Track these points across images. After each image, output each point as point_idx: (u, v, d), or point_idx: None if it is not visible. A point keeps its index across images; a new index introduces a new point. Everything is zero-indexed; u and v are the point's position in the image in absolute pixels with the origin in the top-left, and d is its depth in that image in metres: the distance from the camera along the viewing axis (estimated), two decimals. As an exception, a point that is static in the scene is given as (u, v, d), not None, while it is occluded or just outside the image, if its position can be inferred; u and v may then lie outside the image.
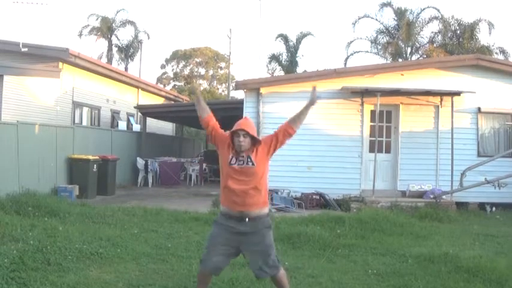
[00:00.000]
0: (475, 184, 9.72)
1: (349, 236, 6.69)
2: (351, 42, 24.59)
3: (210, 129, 3.74)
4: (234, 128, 3.57)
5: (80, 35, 28.53)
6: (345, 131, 10.73)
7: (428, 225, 7.92)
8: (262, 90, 10.80)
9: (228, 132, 3.70)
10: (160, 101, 21.48)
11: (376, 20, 24.31)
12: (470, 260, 5.27)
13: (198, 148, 25.52)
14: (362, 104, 10.71)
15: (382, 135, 10.87)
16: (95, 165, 11.07)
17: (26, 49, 13.06)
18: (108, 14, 30.72)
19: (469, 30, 22.14)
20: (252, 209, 3.54)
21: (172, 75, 44.04)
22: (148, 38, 30.76)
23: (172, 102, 22.10)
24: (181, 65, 43.91)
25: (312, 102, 3.81)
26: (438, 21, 23.23)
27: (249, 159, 3.55)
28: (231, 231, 3.56)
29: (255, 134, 3.60)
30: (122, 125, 16.39)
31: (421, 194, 10.27)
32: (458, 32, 22.92)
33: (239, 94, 34.32)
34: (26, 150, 9.53)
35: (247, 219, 3.53)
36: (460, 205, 10.17)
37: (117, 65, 28.84)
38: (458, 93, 10.38)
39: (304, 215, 8.34)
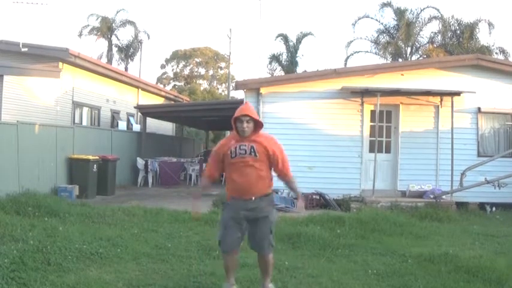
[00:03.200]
0: (475, 184, 9.72)
1: (349, 236, 6.69)
2: (351, 42, 24.66)
3: (219, 166, 3.99)
4: (237, 114, 3.72)
5: (80, 35, 28.57)
6: (345, 131, 10.73)
7: (428, 225, 7.92)
8: (262, 90, 10.80)
9: (222, 140, 4.01)
10: (160, 101, 21.48)
11: (376, 20, 24.38)
12: (470, 260, 5.27)
13: (198, 148, 25.52)
14: (362, 104, 10.71)
15: (382, 135, 10.87)
16: (95, 165, 11.07)
17: (26, 49, 13.07)
18: (108, 14, 30.79)
19: (469, 30, 22.15)
20: (257, 194, 3.80)
21: (172, 75, 44.04)
22: (148, 38, 30.86)
23: (172, 102, 22.11)
24: (181, 65, 43.91)
25: (297, 197, 4.25)
26: (438, 21, 23.28)
27: (252, 150, 3.72)
28: (240, 209, 3.82)
29: (258, 117, 3.79)
30: (122, 125, 16.40)
31: (421, 194, 10.27)
32: (458, 32, 22.93)
33: (239, 94, 34.41)
34: (26, 150, 9.53)
35: (253, 198, 3.80)
36: (460, 205, 10.16)
37: (117, 65, 28.90)
38: (458, 93, 10.38)
39: (304, 215, 8.33)
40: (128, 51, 29.33)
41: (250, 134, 3.74)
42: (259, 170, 3.76)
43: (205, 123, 19.51)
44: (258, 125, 3.76)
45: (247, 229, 3.93)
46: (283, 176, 3.99)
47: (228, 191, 3.94)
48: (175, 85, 42.38)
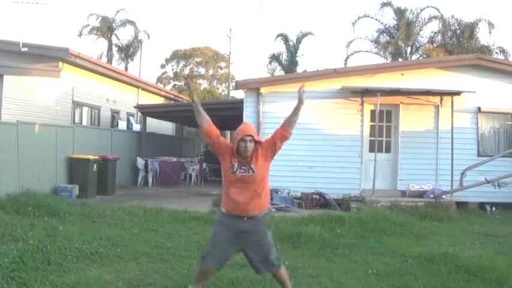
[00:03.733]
0: (475, 184, 9.72)
1: (349, 236, 6.69)
2: (351, 42, 24.63)
3: (213, 139, 3.83)
4: (240, 135, 3.69)
5: (80, 34, 28.55)
6: (345, 130, 10.73)
7: (428, 225, 7.92)
8: (262, 90, 10.80)
9: (226, 141, 3.88)
10: (160, 100, 21.48)
11: (376, 19, 24.36)
12: (470, 260, 5.27)
13: (198, 148, 25.51)
14: (362, 104, 10.71)
15: (382, 135, 10.87)
16: (95, 165, 11.07)
17: (26, 49, 13.07)
18: (108, 13, 30.77)
19: (469, 30, 22.14)
20: (252, 212, 3.73)
21: (172, 75, 44.04)
22: (148, 37, 30.86)
23: (172, 102, 22.11)
24: (181, 64, 43.90)
25: (300, 102, 4.00)
26: (438, 20, 23.27)
27: (249, 168, 3.71)
28: (233, 229, 3.73)
29: (258, 138, 3.77)
30: (122, 125, 16.40)
31: (421, 194, 10.27)
32: (458, 31, 22.92)
33: (239, 94, 34.31)
34: (26, 150, 9.53)
35: (245, 218, 3.72)
36: (460, 205, 10.16)
37: (117, 64, 28.88)
38: (458, 93, 10.38)
39: (304, 215, 8.33)
40: (128, 51, 29.32)
41: (249, 158, 3.72)
42: (256, 187, 3.72)
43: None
44: (258, 144, 3.76)
45: (237, 251, 3.86)
46: (283, 130, 3.83)
47: (223, 205, 3.84)
48: (175, 85, 42.38)
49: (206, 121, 3.88)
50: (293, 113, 3.95)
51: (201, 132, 3.93)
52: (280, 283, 3.98)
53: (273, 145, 3.80)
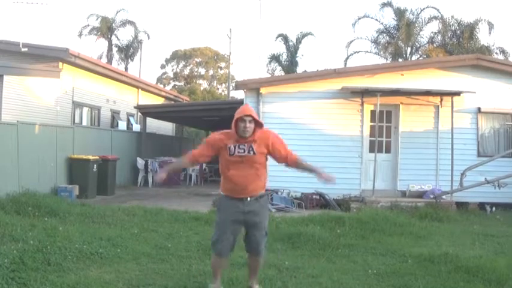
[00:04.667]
0: (475, 184, 9.72)
1: (349, 236, 6.69)
2: (351, 42, 24.65)
3: (203, 156, 4.01)
4: (239, 114, 3.71)
5: (80, 35, 28.57)
6: (345, 131, 10.73)
7: (428, 225, 7.91)
8: (262, 90, 10.80)
9: (217, 133, 3.94)
10: (160, 101, 21.48)
11: (376, 20, 24.38)
12: (470, 260, 5.27)
13: (198, 148, 25.47)
14: (362, 104, 10.71)
15: (382, 135, 10.87)
16: (95, 165, 11.06)
17: (26, 49, 13.07)
18: (108, 14, 30.76)
19: (469, 30, 22.16)
20: (252, 194, 3.80)
21: (172, 75, 44.04)
22: (148, 38, 30.81)
23: (172, 102, 22.10)
24: (181, 65, 43.91)
25: (315, 172, 4.06)
26: (438, 21, 23.29)
27: (250, 148, 3.74)
28: (234, 211, 3.82)
29: (258, 118, 3.80)
30: (122, 125, 16.40)
31: (421, 194, 10.27)
32: (458, 32, 22.94)
33: (239, 94, 34.35)
34: (26, 150, 9.53)
35: (248, 199, 3.81)
36: (460, 205, 10.16)
37: (117, 65, 28.90)
38: (458, 93, 10.38)
39: (304, 215, 8.34)
40: (128, 51, 29.33)
41: (249, 136, 3.73)
42: (256, 169, 3.77)
43: (205, 123, 19.50)
44: (257, 125, 3.77)
45: (241, 230, 3.96)
46: (290, 160, 3.94)
47: (223, 190, 3.92)
48: (175, 85, 42.38)
49: (184, 162, 4.27)
50: (304, 167, 4.12)
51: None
52: (252, 268, 4.10)
53: (277, 152, 3.86)
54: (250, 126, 3.69)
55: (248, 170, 3.74)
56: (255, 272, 4.11)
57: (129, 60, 29.71)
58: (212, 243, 3.96)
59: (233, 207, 3.81)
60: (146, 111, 16.11)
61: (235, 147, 3.73)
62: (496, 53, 22.08)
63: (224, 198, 3.91)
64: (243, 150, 3.71)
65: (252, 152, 3.72)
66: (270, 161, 4.03)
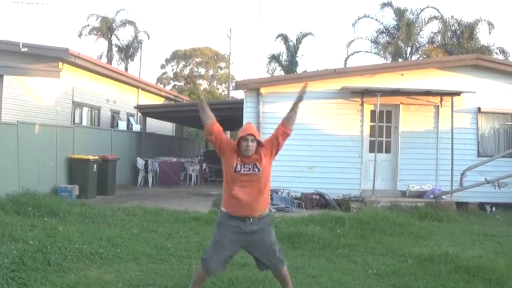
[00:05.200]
0: (475, 184, 9.72)
1: (349, 236, 6.69)
2: (351, 42, 24.63)
3: (215, 135, 3.79)
4: (242, 133, 3.69)
5: (80, 35, 28.55)
6: (345, 131, 10.73)
7: (428, 225, 7.92)
8: (262, 90, 10.80)
9: (228, 139, 3.85)
10: (160, 101, 21.48)
11: (376, 20, 24.37)
12: (470, 260, 5.27)
13: (198, 148, 25.52)
14: (362, 104, 10.71)
15: (382, 135, 10.87)
16: (95, 165, 11.06)
17: (26, 49, 13.06)
18: (108, 14, 30.74)
19: (469, 30, 22.15)
20: (255, 213, 3.71)
21: (172, 75, 44.04)
22: (148, 38, 30.79)
23: (172, 102, 22.11)
24: (181, 65, 43.91)
25: (299, 99, 3.94)
26: (438, 21, 23.27)
27: (255, 167, 3.69)
28: (236, 232, 3.70)
29: (259, 138, 3.75)
30: (122, 125, 16.40)
31: (421, 194, 10.27)
32: (458, 32, 22.93)
33: (239, 94, 34.33)
34: (26, 150, 9.53)
35: (251, 220, 3.69)
36: (460, 205, 10.17)
37: (117, 65, 28.88)
38: (458, 93, 10.38)
39: (304, 215, 8.34)
40: (128, 51, 29.32)
41: (252, 157, 3.69)
42: (261, 186, 3.71)
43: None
44: (259, 145, 3.74)
45: (239, 250, 3.85)
46: (283, 127, 3.83)
47: (224, 205, 3.80)
48: (175, 85, 42.38)
49: (209, 117, 3.81)
50: (292, 109, 3.93)
51: (204, 129, 3.92)
52: (281, 281, 3.97)
53: (276, 141, 3.79)
54: (253, 145, 3.67)
55: (253, 187, 3.68)
56: (286, 283, 3.95)
57: (129, 60, 29.72)
58: (203, 259, 3.80)
59: (234, 226, 3.70)
60: (146, 111, 16.11)
61: (241, 167, 3.68)
62: (496, 53, 22.08)
63: (225, 216, 3.77)
64: (248, 169, 3.68)
65: (256, 170, 3.68)
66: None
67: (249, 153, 3.67)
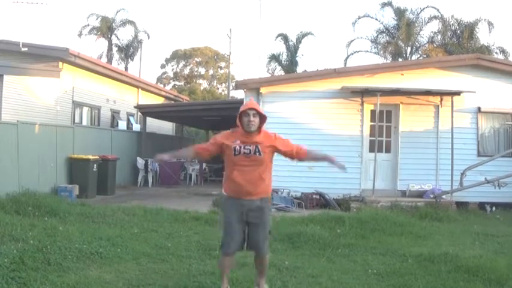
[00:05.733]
0: (475, 184, 9.72)
1: (349, 236, 6.69)
2: (351, 41, 24.66)
3: (208, 153, 3.93)
4: (244, 108, 3.71)
5: (80, 34, 28.56)
6: (345, 130, 10.73)
7: (428, 225, 7.92)
8: (262, 90, 10.80)
9: (225, 132, 3.94)
10: (160, 100, 21.47)
11: (376, 19, 24.39)
12: (470, 260, 5.27)
13: (198, 148, 25.44)
14: (362, 104, 10.71)
15: (382, 135, 10.87)
16: (95, 165, 11.06)
17: (26, 49, 13.06)
18: (108, 13, 30.74)
19: (469, 30, 22.16)
20: (255, 196, 3.78)
21: (172, 75, 44.05)
22: (148, 37, 30.82)
23: (172, 102, 22.10)
24: (181, 64, 43.92)
25: (323, 159, 4.11)
26: (438, 20, 23.29)
27: (256, 149, 3.70)
28: (239, 208, 3.79)
29: (262, 112, 3.78)
30: (122, 125, 16.39)
31: (421, 194, 10.27)
32: (458, 31, 22.93)
33: (239, 94, 34.35)
34: (26, 150, 9.53)
35: (253, 199, 3.79)
36: (460, 205, 10.17)
37: (117, 64, 28.88)
38: (458, 93, 10.38)
39: (304, 215, 8.34)
40: (128, 51, 29.32)
41: (255, 132, 3.72)
42: (261, 171, 3.74)
43: (205, 122, 19.51)
44: (262, 120, 3.76)
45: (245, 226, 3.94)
46: (301, 153, 3.93)
47: (226, 190, 3.89)
48: (175, 85, 42.38)
49: (188, 154, 4.07)
50: (314, 158, 4.20)
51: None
52: (258, 269, 4.05)
53: (277, 149, 3.83)
54: (255, 120, 3.68)
55: (253, 172, 3.71)
56: (262, 272, 4.06)
57: (129, 60, 29.73)
58: (222, 244, 3.90)
59: (236, 206, 3.79)
60: (146, 111, 16.11)
61: (240, 147, 3.70)
62: (496, 52, 22.09)
63: (227, 199, 3.88)
64: (248, 151, 3.69)
65: (257, 153, 3.69)
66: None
67: (251, 128, 3.66)
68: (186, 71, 43.82)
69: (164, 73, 44.13)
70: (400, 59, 22.69)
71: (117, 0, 63.01)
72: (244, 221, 3.82)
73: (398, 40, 23.21)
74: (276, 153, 3.92)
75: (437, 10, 23.22)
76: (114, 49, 29.49)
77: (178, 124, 21.97)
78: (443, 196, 10.02)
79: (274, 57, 26.53)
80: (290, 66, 25.78)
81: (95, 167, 11.03)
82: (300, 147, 3.94)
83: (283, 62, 26.39)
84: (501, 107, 10.98)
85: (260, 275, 4.07)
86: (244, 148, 3.68)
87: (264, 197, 3.83)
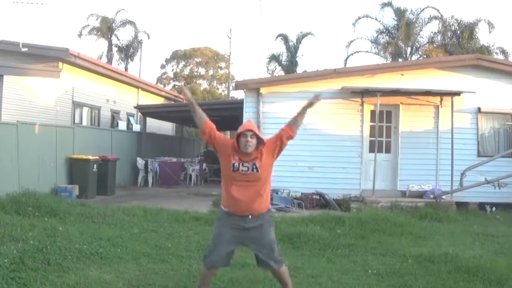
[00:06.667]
0: (475, 184, 9.72)
1: (349, 236, 6.69)
2: (351, 42, 24.66)
3: (208, 133, 3.78)
4: (241, 129, 3.66)
5: (80, 35, 28.54)
6: (345, 131, 10.73)
7: (428, 225, 7.92)
8: (262, 90, 10.80)
9: (227, 138, 3.84)
10: (160, 101, 21.48)
11: (376, 19, 24.39)
12: (470, 260, 5.27)
13: (198, 148, 25.50)
14: (362, 104, 10.71)
15: (382, 135, 10.87)
16: (95, 165, 11.06)
17: (26, 49, 13.06)
18: (108, 14, 30.74)
19: (469, 30, 22.16)
20: (254, 212, 3.68)
21: (172, 75, 44.05)
22: (148, 38, 30.80)
23: (172, 102, 22.10)
24: (181, 65, 43.91)
25: (310, 105, 3.93)
26: (438, 21, 23.31)
27: (254, 166, 3.65)
28: (235, 228, 3.68)
29: (260, 135, 3.70)
30: (122, 125, 16.39)
31: (421, 194, 10.26)
32: (458, 32, 22.94)
33: (239, 94, 34.31)
34: (26, 150, 9.53)
35: (250, 216, 3.67)
36: (460, 205, 10.17)
37: (117, 65, 28.87)
38: (458, 93, 10.38)
39: (304, 215, 8.34)
40: (128, 51, 29.31)
41: (252, 152, 3.65)
42: (259, 188, 3.67)
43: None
44: (259, 142, 3.69)
45: (239, 246, 3.83)
46: (289, 130, 3.80)
47: (224, 205, 3.78)
48: (175, 85, 42.38)
49: (201, 118, 3.83)
50: (300, 112, 3.90)
51: (199, 131, 3.92)
52: (280, 281, 3.96)
53: (279, 141, 3.75)
54: (252, 141, 3.62)
55: (251, 187, 3.64)
56: (285, 283, 3.92)
57: (129, 60, 29.72)
58: (205, 255, 3.82)
59: (233, 223, 3.68)
60: (146, 111, 16.11)
61: (239, 164, 3.64)
62: (496, 53, 22.08)
63: (224, 213, 3.77)
64: (246, 168, 3.64)
65: (255, 170, 3.64)
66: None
67: (248, 149, 3.62)
68: (186, 72, 43.83)
69: (164, 73, 44.15)
70: (400, 59, 22.70)
71: (117, 0, 63.04)
72: (238, 238, 3.71)
73: (399, 40, 23.22)
74: (280, 152, 3.82)
75: (437, 10, 23.28)
76: (114, 49, 29.49)
77: (178, 124, 21.98)
78: (443, 196, 10.02)
79: (274, 58, 26.52)
80: (290, 66, 25.78)
81: (95, 167, 11.03)
82: (283, 129, 3.81)
83: (283, 62, 26.38)
84: (501, 107, 10.98)
85: (284, 286, 3.96)
86: (242, 166, 3.64)
87: (262, 212, 3.73)
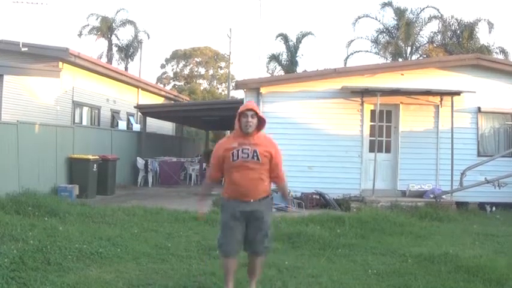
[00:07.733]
0: (475, 184, 9.72)
1: (349, 236, 6.69)
2: (351, 41, 24.64)
3: (220, 169, 3.91)
4: (242, 109, 3.71)
5: (80, 34, 28.53)
6: (345, 130, 10.72)
7: (428, 225, 7.92)
8: (262, 90, 10.80)
9: (219, 143, 3.95)
10: (160, 100, 21.48)
11: (376, 19, 24.37)
12: (470, 260, 5.27)
13: (198, 148, 25.51)
14: (362, 104, 10.71)
15: (382, 135, 10.86)
16: (95, 165, 11.06)
17: (26, 49, 13.07)
18: (108, 13, 30.74)
19: (469, 30, 22.16)
20: (254, 197, 3.77)
21: (172, 75, 44.04)
22: (148, 37, 30.81)
23: (172, 102, 22.11)
24: (181, 64, 43.90)
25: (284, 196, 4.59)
26: (438, 20, 23.31)
27: (254, 154, 3.70)
28: (238, 209, 3.78)
29: (261, 114, 3.77)
30: (122, 125, 16.40)
31: (421, 194, 10.26)
32: (458, 31, 22.94)
33: (239, 94, 34.33)
34: (26, 150, 9.53)
35: (251, 200, 3.77)
36: (460, 205, 10.16)
37: (117, 64, 28.86)
38: (458, 93, 10.38)
39: (304, 215, 8.34)
40: (128, 51, 29.30)
41: (253, 134, 3.71)
42: (260, 174, 3.74)
43: (205, 123, 19.51)
44: (261, 122, 3.75)
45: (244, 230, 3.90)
46: (278, 180, 3.95)
47: (225, 192, 3.88)
48: (175, 85, 42.37)
49: (209, 184, 4.21)
50: (282, 189, 4.28)
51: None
52: (250, 269, 4.02)
53: (274, 159, 3.82)
54: (253, 121, 3.67)
55: (252, 174, 3.71)
56: (254, 273, 4.01)
57: (129, 60, 29.70)
58: (219, 245, 3.90)
59: (236, 206, 3.78)
60: (146, 111, 16.11)
61: (238, 152, 3.69)
62: (496, 52, 22.08)
63: (225, 201, 3.88)
64: (246, 155, 3.68)
65: (255, 158, 3.69)
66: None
67: (248, 129, 3.66)
68: (186, 71, 43.82)
69: (164, 73, 44.13)
70: (400, 59, 22.68)
71: (117, 0, 63.02)
72: (242, 220, 3.80)
73: (398, 40, 23.21)
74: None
75: (437, 10, 23.27)
76: (114, 49, 29.49)
77: (178, 124, 21.98)
78: (443, 196, 10.01)
79: (274, 57, 26.52)
80: (290, 66, 25.77)
81: (94, 167, 11.03)
82: (283, 175, 3.97)
83: (283, 62, 26.38)
84: (501, 107, 10.98)
85: (252, 277, 4.02)
86: (242, 152, 3.69)
87: (264, 196, 3.82)
